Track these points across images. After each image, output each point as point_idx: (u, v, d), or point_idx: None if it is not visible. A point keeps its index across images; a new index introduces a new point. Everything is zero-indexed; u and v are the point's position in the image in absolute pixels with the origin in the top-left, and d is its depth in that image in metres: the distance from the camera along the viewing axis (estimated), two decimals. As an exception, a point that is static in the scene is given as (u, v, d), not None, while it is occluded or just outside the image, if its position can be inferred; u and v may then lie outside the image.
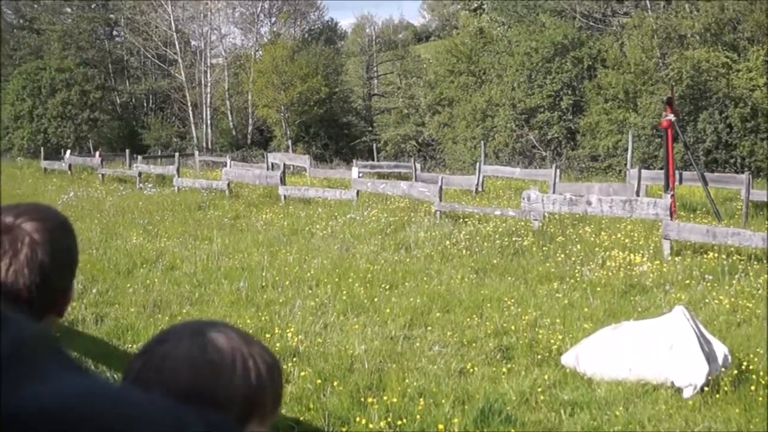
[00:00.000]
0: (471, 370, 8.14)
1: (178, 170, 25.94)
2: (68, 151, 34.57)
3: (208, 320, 1.38)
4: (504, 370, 8.15)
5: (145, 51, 56.98)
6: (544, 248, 14.28)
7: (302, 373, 7.96)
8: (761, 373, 7.60)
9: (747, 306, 10.30)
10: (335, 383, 7.70)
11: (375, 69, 60.62)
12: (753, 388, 7.34)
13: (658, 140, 26.78)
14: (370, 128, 53.51)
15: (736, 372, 7.63)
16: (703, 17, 31.20)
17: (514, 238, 14.97)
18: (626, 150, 28.14)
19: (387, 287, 11.69)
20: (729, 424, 6.79)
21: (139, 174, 27.34)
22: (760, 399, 7.20)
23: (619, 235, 14.76)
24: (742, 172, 20.16)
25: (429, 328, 9.67)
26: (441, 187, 18.03)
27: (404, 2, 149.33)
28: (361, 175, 22.13)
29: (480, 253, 14.13)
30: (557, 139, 35.24)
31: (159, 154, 44.73)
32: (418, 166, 30.08)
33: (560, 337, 9.00)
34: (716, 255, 12.90)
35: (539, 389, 7.60)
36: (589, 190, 18.53)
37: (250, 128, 53.53)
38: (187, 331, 1.31)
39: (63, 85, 47.25)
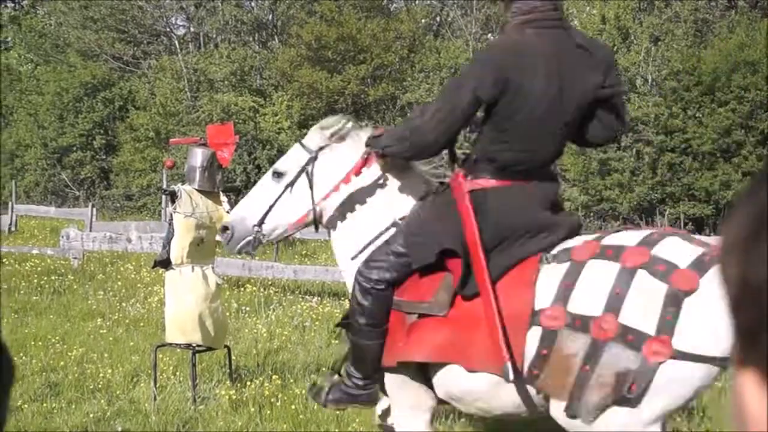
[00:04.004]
0: (21, 407, 8.10)
1: None
2: None
3: None
4: (55, 405, 8.21)
5: None
6: (85, 286, 14.33)
7: None
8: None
9: (283, 333, 11.19)
10: None
11: None
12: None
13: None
14: None
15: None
16: (229, 65, 32.76)
17: (53, 277, 14.85)
18: (159, 189, 28.66)
19: None
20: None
21: None
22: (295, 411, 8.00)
23: (161, 271, 15.15)
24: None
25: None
26: (-28, 228, 17.36)
27: None
28: None
29: (19, 293, 13.86)
30: (91, 179, 34.93)
31: None
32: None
33: (110, 370, 9.21)
34: (253, 288, 13.77)
35: (93, 420, 7.79)
36: (127, 229, 18.73)
37: None
38: None
39: None
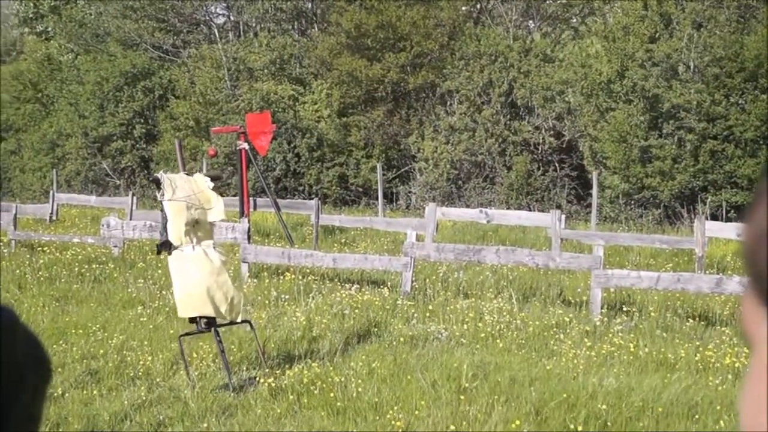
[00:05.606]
0: (63, 394, 8.17)
1: None
2: None
3: None
4: (95, 392, 8.27)
5: None
6: (125, 274, 14.42)
7: None
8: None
9: (322, 321, 11.17)
10: None
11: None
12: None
13: (232, 168, 27.70)
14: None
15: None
16: (269, 54, 32.77)
17: (94, 266, 14.96)
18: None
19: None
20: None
21: None
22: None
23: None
24: (311, 199, 21.47)
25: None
26: (16, 216, 17.52)
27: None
28: None
29: (60, 281, 13.98)
30: (131, 168, 35.17)
31: None
32: (-15, 195, 28.81)
33: (150, 357, 9.27)
34: (293, 276, 13.78)
35: (133, 407, 7.84)
36: (167, 217, 18.83)
37: None
38: None
39: None
